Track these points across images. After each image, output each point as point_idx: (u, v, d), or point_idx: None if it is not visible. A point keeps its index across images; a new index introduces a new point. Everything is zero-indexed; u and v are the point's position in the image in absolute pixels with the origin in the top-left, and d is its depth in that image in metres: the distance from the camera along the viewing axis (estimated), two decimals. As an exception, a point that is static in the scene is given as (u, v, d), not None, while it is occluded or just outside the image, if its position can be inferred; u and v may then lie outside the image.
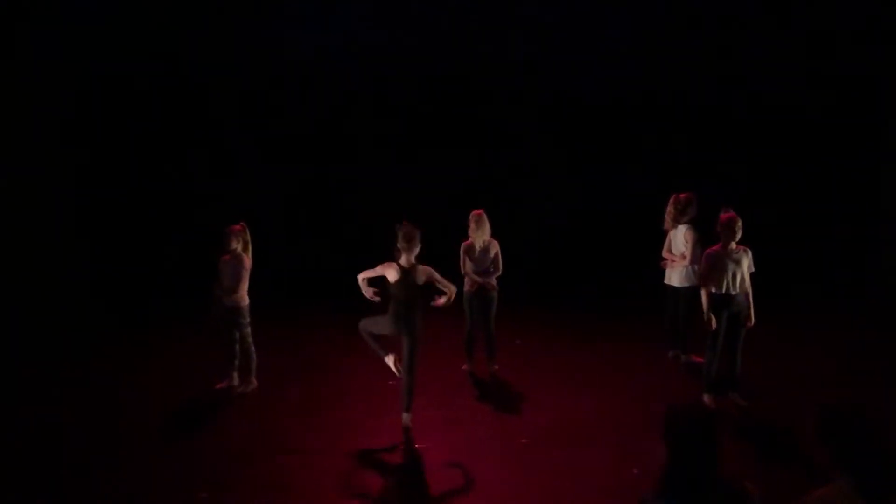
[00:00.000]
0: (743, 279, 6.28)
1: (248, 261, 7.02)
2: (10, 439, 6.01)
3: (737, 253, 6.25)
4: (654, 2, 11.99)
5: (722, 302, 6.26)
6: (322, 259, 11.77)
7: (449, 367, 7.70)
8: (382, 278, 5.95)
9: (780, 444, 5.77)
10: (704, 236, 7.12)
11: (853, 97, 11.81)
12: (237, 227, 7.07)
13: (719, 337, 6.34)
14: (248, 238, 7.11)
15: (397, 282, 5.86)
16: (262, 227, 7.72)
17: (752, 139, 12.48)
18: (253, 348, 7.16)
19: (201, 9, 11.45)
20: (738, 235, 6.21)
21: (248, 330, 7.10)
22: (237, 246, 6.99)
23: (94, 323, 9.87)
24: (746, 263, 6.29)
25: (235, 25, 11.79)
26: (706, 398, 6.43)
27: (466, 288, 7.37)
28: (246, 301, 7.03)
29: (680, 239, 7.44)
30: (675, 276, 7.55)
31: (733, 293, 6.23)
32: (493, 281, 7.37)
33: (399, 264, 5.88)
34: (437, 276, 5.99)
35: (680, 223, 7.44)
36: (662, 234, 7.72)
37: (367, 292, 6.10)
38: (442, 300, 6.09)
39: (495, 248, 7.37)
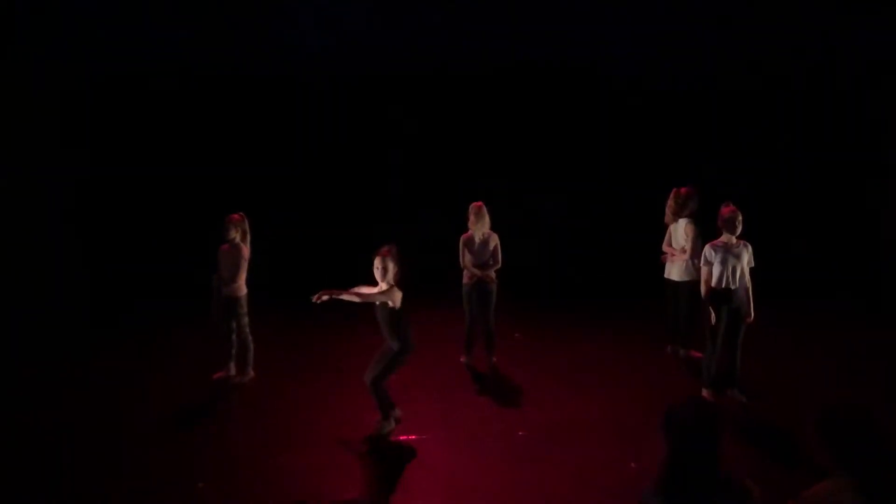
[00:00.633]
0: (743, 274, 6.26)
1: (246, 250, 7.00)
2: (10, 431, 6.00)
3: (737, 247, 6.22)
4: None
5: (722, 297, 6.24)
6: (323, 250, 11.74)
7: (447, 360, 7.69)
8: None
9: (779, 441, 5.76)
10: (705, 230, 7.11)
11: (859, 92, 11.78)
12: (236, 216, 7.04)
13: (719, 332, 6.32)
14: (247, 227, 7.08)
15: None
16: (262, 217, 7.68)
17: (755, 129, 12.43)
18: (250, 339, 7.14)
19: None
20: (739, 230, 6.19)
21: (246, 320, 7.08)
22: (236, 235, 6.97)
23: (92, 316, 9.85)
24: (747, 258, 6.27)
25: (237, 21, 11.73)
26: (706, 394, 6.42)
27: (465, 281, 7.36)
28: (244, 291, 7.01)
29: (680, 233, 7.42)
30: (675, 271, 7.53)
31: (733, 288, 6.21)
32: (492, 274, 7.35)
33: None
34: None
35: (680, 217, 7.41)
36: (663, 229, 7.69)
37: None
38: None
39: (495, 240, 7.35)
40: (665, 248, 7.67)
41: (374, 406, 5.98)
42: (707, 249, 6.29)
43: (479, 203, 7.33)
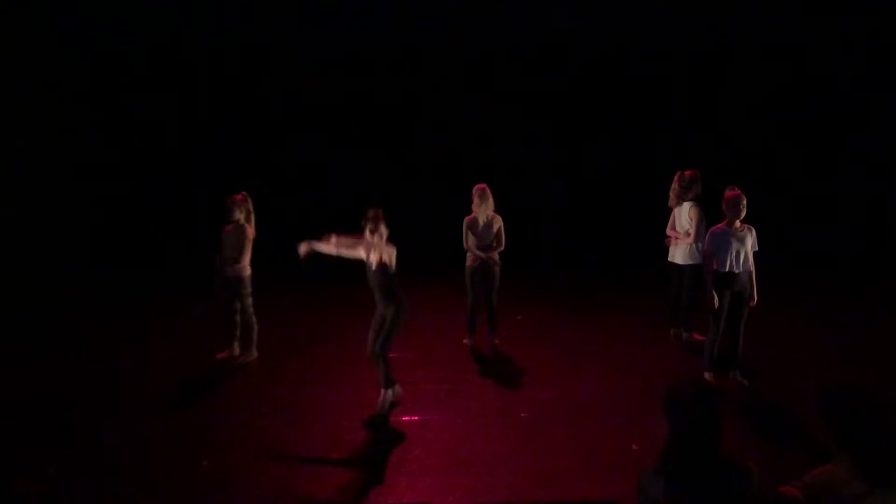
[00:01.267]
0: (747, 258, 6.25)
1: (251, 231, 7.01)
2: (14, 411, 6.03)
3: (741, 231, 6.21)
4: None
5: (725, 280, 6.24)
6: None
7: (450, 341, 7.72)
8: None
9: (780, 423, 5.78)
10: (709, 214, 7.10)
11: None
12: (239, 196, 7.05)
13: (722, 315, 6.33)
14: (251, 208, 7.08)
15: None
16: (265, 198, 7.68)
17: (761, 117, 12.36)
18: (254, 319, 7.17)
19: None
20: (743, 213, 6.17)
21: (250, 300, 7.10)
22: (240, 216, 6.98)
23: (96, 294, 9.88)
24: (750, 242, 6.26)
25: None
26: (707, 376, 6.43)
27: (469, 263, 7.37)
28: (248, 271, 7.03)
29: (684, 216, 7.40)
30: (679, 254, 7.52)
31: (737, 271, 6.21)
32: (496, 256, 7.35)
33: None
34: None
35: (685, 200, 7.39)
36: (667, 211, 7.68)
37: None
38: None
39: (498, 223, 7.35)
40: (669, 231, 7.66)
41: (375, 384, 6.03)
42: (711, 233, 6.28)
43: (483, 185, 7.32)
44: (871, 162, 11.97)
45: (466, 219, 7.34)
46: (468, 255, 7.36)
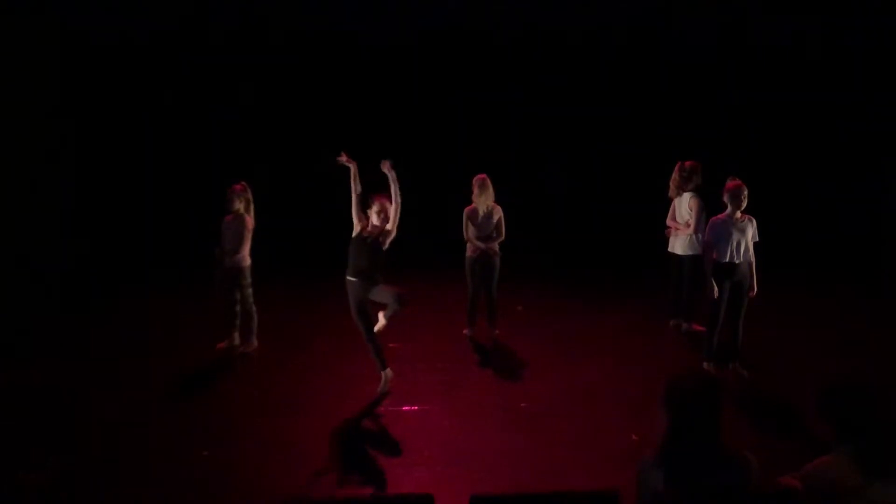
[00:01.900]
0: (747, 249, 6.24)
1: (250, 221, 7.00)
2: (13, 404, 6.03)
3: (742, 222, 6.20)
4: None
5: (725, 271, 6.24)
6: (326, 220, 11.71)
7: (450, 332, 7.72)
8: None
9: (780, 414, 5.79)
10: (709, 204, 7.08)
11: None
12: (238, 186, 7.03)
13: (722, 306, 6.32)
14: (251, 198, 7.07)
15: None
16: (263, 187, 7.65)
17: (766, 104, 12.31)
18: (254, 309, 7.17)
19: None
20: (744, 204, 6.16)
21: (250, 290, 7.10)
22: (240, 206, 6.96)
23: (94, 284, 9.86)
24: (751, 233, 6.25)
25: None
26: (707, 367, 6.44)
27: (469, 253, 7.35)
28: (248, 262, 7.02)
29: (684, 207, 7.38)
30: (679, 245, 7.51)
31: (737, 262, 6.20)
32: (496, 247, 7.34)
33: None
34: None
35: (685, 191, 7.37)
36: (667, 202, 7.66)
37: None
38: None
39: (498, 213, 7.33)
40: (669, 222, 7.64)
41: (375, 375, 6.05)
42: (711, 223, 6.27)
43: (483, 175, 7.30)
44: (872, 152, 11.93)
45: (466, 209, 7.32)
46: (468, 245, 7.35)
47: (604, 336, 7.74)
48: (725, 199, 6.22)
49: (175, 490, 4.67)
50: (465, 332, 7.66)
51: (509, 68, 12.45)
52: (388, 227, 5.96)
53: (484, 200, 7.22)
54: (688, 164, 7.37)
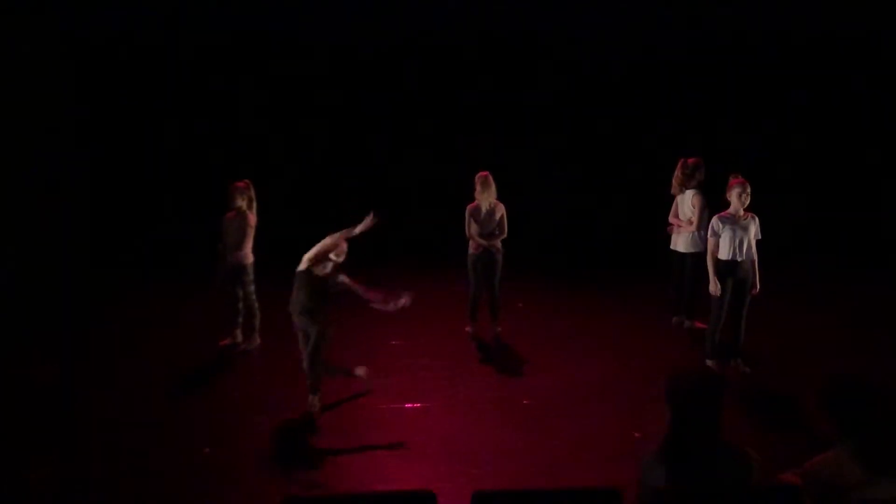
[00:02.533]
0: (750, 246, 6.24)
1: (252, 218, 7.00)
2: (16, 400, 6.06)
3: (745, 219, 6.20)
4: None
5: (727, 268, 6.23)
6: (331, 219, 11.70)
7: (452, 329, 7.72)
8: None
9: (782, 411, 5.79)
10: (712, 202, 7.07)
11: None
12: (241, 183, 7.03)
13: (724, 303, 6.32)
14: (253, 195, 7.07)
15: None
16: (268, 185, 7.66)
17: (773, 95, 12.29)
18: (257, 306, 7.18)
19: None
20: (747, 201, 6.15)
21: (252, 288, 7.11)
22: (242, 203, 6.96)
23: (97, 282, 9.87)
24: (754, 230, 6.24)
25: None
26: (709, 364, 6.43)
27: (471, 251, 7.35)
28: (250, 259, 7.03)
29: (687, 204, 7.38)
30: (682, 242, 7.50)
31: (739, 260, 6.20)
32: (498, 244, 7.34)
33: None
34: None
35: (688, 188, 7.37)
36: (670, 199, 7.66)
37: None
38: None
39: (501, 210, 7.32)
40: (671, 219, 7.63)
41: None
42: (714, 221, 6.27)
43: (486, 173, 7.29)
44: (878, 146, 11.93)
45: (469, 206, 7.32)
46: (470, 242, 7.35)
47: (606, 333, 7.73)
48: (728, 196, 6.22)
49: (177, 486, 4.69)
50: (466, 329, 7.66)
51: (516, 66, 12.47)
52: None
53: (486, 197, 7.22)
54: (691, 160, 7.36)
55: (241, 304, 7.16)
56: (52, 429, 5.47)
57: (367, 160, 12.43)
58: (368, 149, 12.50)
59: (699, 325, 7.48)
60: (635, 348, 7.22)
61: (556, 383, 6.35)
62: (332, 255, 5.65)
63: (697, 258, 7.19)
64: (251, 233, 6.97)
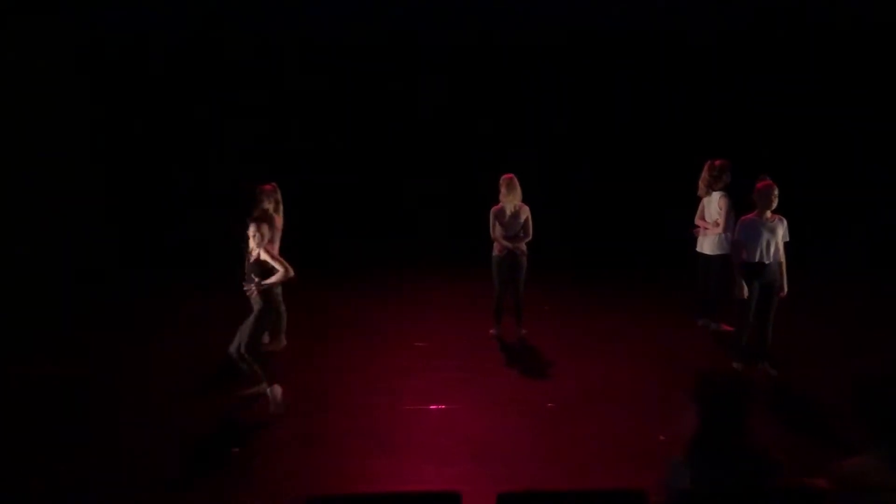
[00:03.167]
0: (777, 249, 6.18)
1: (279, 220, 7.06)
2: (35, 400, 6.16)
3: (772, 221, 6.14)
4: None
5: (754, 270, 6.18)
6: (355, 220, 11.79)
7: (477, 331, 7.73)
8: None
9: (809, 414, 5.73)
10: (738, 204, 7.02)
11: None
12: (268, 186, 7.09)
13: (751, 306, 6.27)
14: (280, 198, 7.13)
15: None
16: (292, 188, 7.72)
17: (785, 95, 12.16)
18: (283, 307, 7.23)
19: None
20: (775, 204, 6.10)
21: (279, 289, 7.14)
22: (269, 206, 7.02)
23: (123, 282, 10.00)
24: (781, 233, 6.19)
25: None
26: (736, 367, 6.38)
27: (496, 253, 7.36)
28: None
29: (713, 206, 7.33)
30: (707, 244, 7.46)
31: (767, 262, 6.14)
32: (523, 246, 7.34)
33: None
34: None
35: (714, 190, 7.32)
36: (696, 201, 7.61)
37: None
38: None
39: (526, 212, 7.32)
40: (698, 221, 7.59)
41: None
42: (741, 222, 6.22)
43: (511, 175, 7.29)
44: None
45: (494, 208, 7.33)
46: (495, 244, 7.35)
47: (631, 336, 7.70)
48: (755, 198, 6.17)
49: (207, 486, 4.74)
50: (491, 331, 7.66)
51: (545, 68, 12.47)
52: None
53: (511, 200, 7.22)
54: (717, 162, 7.32)
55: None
56: (73, 429, 5.56)
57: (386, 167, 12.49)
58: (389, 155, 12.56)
59: (725, 327, 7.42)
60: (661, 351, 7.18)
61: (580, 386, 6.33)
62: (252, 240, 5.93)
63: (723, 260, 7.15)
64: (278, 235, 7.02)
